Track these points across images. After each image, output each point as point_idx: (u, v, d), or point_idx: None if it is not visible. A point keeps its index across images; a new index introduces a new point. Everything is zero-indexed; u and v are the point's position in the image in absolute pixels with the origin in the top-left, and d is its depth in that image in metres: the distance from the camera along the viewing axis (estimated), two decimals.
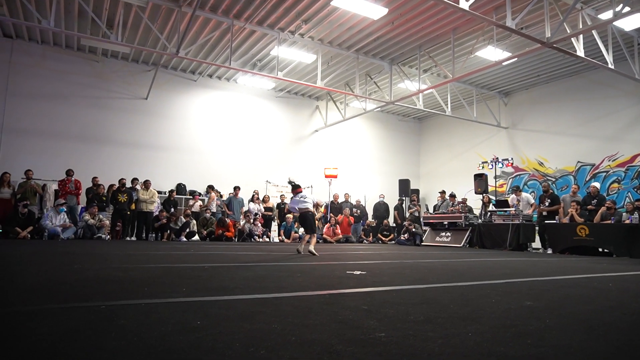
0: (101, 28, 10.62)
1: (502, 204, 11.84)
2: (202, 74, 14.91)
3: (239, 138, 15.49)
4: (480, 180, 13.62)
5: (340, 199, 15.30)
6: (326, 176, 14.83)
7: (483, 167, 14.30)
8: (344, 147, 17.68)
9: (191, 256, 5.78)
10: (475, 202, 14.34)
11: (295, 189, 7.61)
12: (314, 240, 7.23)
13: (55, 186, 11.17)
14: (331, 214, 14.06)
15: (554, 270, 5.18)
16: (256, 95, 15.99)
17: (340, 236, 13.52)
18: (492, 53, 11.19)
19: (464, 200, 13.81)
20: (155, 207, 11.68)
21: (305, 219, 7.34)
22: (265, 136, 16.02)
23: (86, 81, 13.29)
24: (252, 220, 12.59)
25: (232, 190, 13.52)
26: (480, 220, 12.40)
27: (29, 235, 9.38)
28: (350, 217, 14.32)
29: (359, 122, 17.80)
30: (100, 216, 10.62)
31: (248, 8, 10.54)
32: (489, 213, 12.31)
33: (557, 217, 10.86)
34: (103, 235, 10.42)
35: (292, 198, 7.84)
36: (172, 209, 12.13)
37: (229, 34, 11.29)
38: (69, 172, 10.87)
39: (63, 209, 10.01)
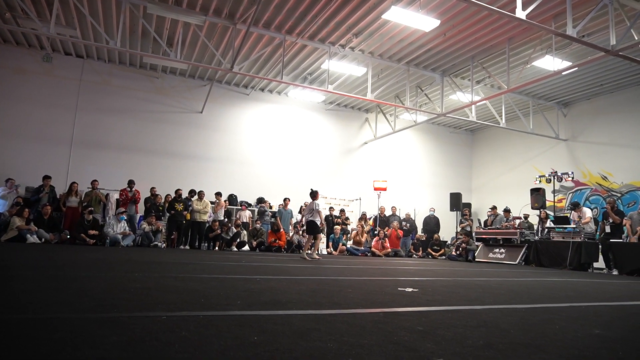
0: (162, 46, 11.22)
1: (561, 220, 11.24)
2: (254, 88, 15.35)
3: (289, 150, 15.75)
4: (537, 194, 13.02)
5: (388, 212, 15.13)
6: (375, 189, 14.74)
7: (540, 181, 13.66)
8: (394, 160, 17.51)
9: (242, 267, 5.91)
10: (530, 218, 13.71)
11: (314, 196, 8.81)
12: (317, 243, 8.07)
13: (117, 195, 11.82)
14: (379, 227, 13.92)
15: (622, 294, 4.84)
16: (306, 108, 16.23)
17: (389, 250, 13.34)
18: (551, 62, 10.74)
19: (526, 216, 13.16)
20: (208, 217, 12.06)
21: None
22: (314, 148, 16.19)
23: (147, 96, 14.05)
24: (300, 232, 12.70)
25: (281, 202, 13.72)
26: (537, 237, 11.83)
27: (93, 241, 9.95)
28: (399, 231, 14.10)
29: (409, 135, 17.59)
30: (158, 222, 11.12)
31: (300, 23, 10.77)
32: (546, 229, 11.72)
33: (623, 235, 10.16)
34: (159, 244, 10.88)
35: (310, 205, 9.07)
36: (225, 219, 12.48)
37: (281, 48, 11.57)
38: (130, 183, 11.46)
39: (123, 217, 10.57)
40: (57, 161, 12.48)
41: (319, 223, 8.63)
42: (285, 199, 13.66)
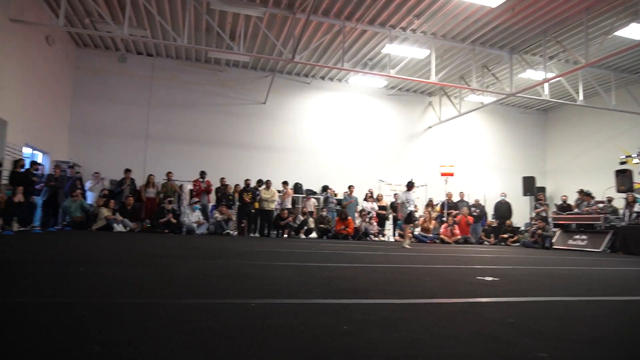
0: (225, 40, 11.52)
1: None
2: (315, 76, 15.38)
3: (352, 137, 15.68)
4: (623, 176, 11.99)
5: (455, 198, 14.65)
6: (442, 174, 14.32)
7: (626, 162, 12.55)
8: (460, 144, 16.89)
9: (315, 255, 5.99)
10: (615, 202, 12.66)
11: (410, 186, 9.25)
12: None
13: (190, 186, 12.41)
14: (449, 211, 13.56)
15: None
16: (368, 94, 16.03)
17: (459, 237, 12.95)
18: (637, 31, 9.77)
19: (609, 200, 12.16)
20: (275, 206, 12.34)
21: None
22: (377, 134, 15.99)
23: (213, 90, 14.55)
24: (367, 219, 12.66)
25: (346, 189, 13.74)
26: (624, 223, 10.93)
27: (168, 230, 10.56)
28: (469, 217, 13.63)
29: (476, 117, 16.85)
30: (229, 212, 11.56)
31: (359, 9, 10.59)
32: (635, 214, 10.79)
33: None
34: (231, 232, 11.32)
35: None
36: (291, 207, 12.72)
37: (340, 35, 11.45)
38: (202, 174, 11.94)
39: (197, 207, 11.09)
40: (135, 155, 13.31)
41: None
42: (349, 187, 13.66)
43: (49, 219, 10.33)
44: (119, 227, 10.07)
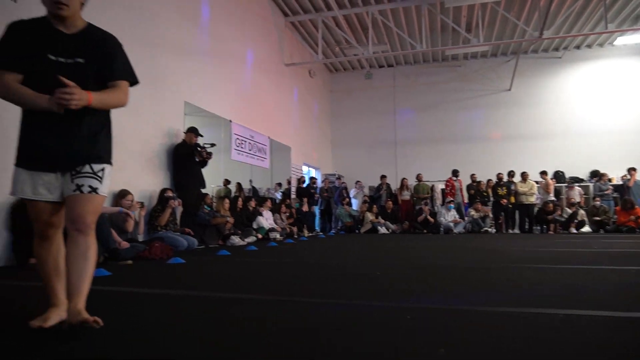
0: (461, 34, 11.32)
1: None
2: (567, 48, 13.51)
3: (626, 110, 13.05)
4: None
5: None
6: None
7: None
8: None
9: (601, 255, 5.25)
10: None
11: None
12: None
13: (441, 185, 12.60)
14: None
15: None
16: None
17: None
18: None
19: None
20: (535, 199, 11.33)
21: None
22: None
23: (452, 86, 14.45)
24: None
25: (624, 172, 11.51)
26: None
27: (427, 230, 10.96)
28: None
29: None
30: (485, 208, 11.23)
31: None
32: None
33: None
34: (489, 229, 10.96)
35: None
36: (555, 199, 11.45)
37: None
38: (455, 172, 11.90)
39: (452, 206, 11.16)
40: (387, 160, 14.40)
41: None
42: (630, 170, 11.36)
43: (326, 225, 12.18)
44: (382, 229, 11.05)
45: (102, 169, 1.78)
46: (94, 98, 1.67)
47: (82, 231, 1.68)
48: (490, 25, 11.80)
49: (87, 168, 1.74)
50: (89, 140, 1.75)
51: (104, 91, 1.75)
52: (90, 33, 1.79)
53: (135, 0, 5.85)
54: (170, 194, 5.84)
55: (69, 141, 1.71)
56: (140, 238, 5.46)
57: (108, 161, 1.82)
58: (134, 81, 1.88)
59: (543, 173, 11.84)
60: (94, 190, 1.73)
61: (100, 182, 1.76)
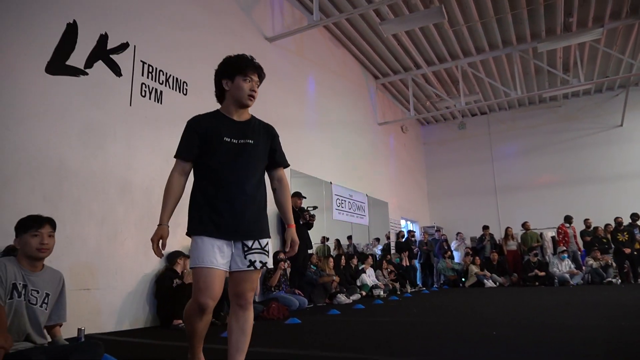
0: (558, 76, 10.98)
1: None
2: None
3: None
4: None
5: None
6: None
7: None
8: None
9: None
10: None
11: None
12: None
13: (551, 233, 11.81)
14: None
15: None
16: None
17: None
18: None
19: None
20: None
21: None
22: None
23: (553, 128, 13.82)
24: None
25: None
26: None
27: (539, 283, 10.25)
28: None
29: None
30: (605, 257, 10.28)
31: None
32: None
33: None
34: (613, 280, 9.95)
35: None
36: None
37: None
38: (568, 218, 11.11)
39: (565, 255, 10.38)
40: (488, 210, 13.90)
41: None
42: None
43: (427, 279, 11.95)
44: (489, 283, 10.56)
45: (267, 243, 2.04)
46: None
47: (243, 306, 2.03)
48: (590, 61, 11.31)
49: (256, 244, 1.99)
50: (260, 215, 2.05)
51: (286, 201, 2.18)
52: (255, 122, 2.16)
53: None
54: (282, 256, 6.33)
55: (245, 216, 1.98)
56: (256, 299, 5.95)
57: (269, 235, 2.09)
58: (287, 165, 2.26)
59: None
60: (264, 265, 2.00)
61: (268, 255, 2.03)
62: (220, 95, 2.16)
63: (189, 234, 1.99)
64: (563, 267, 10.29)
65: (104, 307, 4.30)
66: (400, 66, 11.28)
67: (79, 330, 2.99)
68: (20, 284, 2.29)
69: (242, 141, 2.03)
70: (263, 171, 2.15)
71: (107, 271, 4.36)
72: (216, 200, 1.96)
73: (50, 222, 2.44)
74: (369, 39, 10.05)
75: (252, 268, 1.97)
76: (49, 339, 2.52)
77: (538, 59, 10.87)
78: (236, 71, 2.07)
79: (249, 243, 1.98)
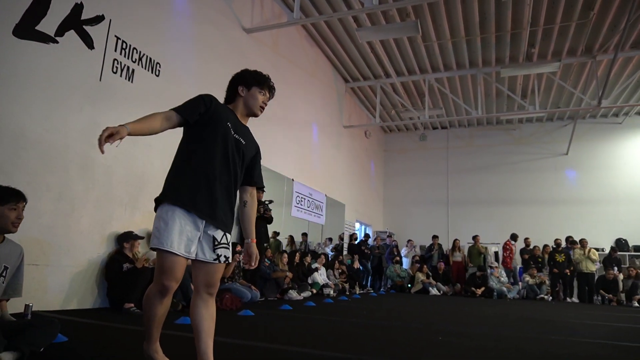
0: (516, 101, 11.59)
1: None
2: (628, 114, 13.38)
3: None
4: None
5: None
6: None
7: None
8: None
9: None
10: None
11: None
12: None
13: (494, 248, 12.45)
14: None
15: None
16: None
17: None
18: None
19: None
20: (596, 267, 10.94)
21: None
22: None
23: (507, 149, 14.55)
24: None
25: None
26: None
27: (480, 292, 10.78)
28: None
29: None
30: (540, 275, 10.96)
31: None
32: None
33: None
34: (545, 296, 10.63)
35: None
36: (616, 268, 11.00)
37: None
38: (514, 236, 11.73)
39: (503, 270, 10.98)
40: (439, 221, 14.45)
41: None
42: None
43: (376, 282, 12.25)
44: (434, 291, 10.99)
45: (230, 239, 2.10)
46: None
47: (213, 295, 2.10)
48: (546, 91, 12.02)
49: (224, 239, 2.03)
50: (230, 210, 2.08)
51: (252, 217, 2.22)
52: (251, 133, 2.26)
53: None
54: (239, 248, 6.34)
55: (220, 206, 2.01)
56: None
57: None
58: (262, 187, 2.36)
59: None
60: (227, 259, 2.06)
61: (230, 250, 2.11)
62: (230, 97, 2.25)
63: (160, 199, 1.96)
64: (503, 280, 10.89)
65: (51, 285, 4.16)
66: (371, 73, 11.51)
67: (27, 306, 2.90)
68: None
69: (238, 138, 2.11)
70: (241, 178, 2.18)
71: (58, 248, 4.23)
72: (200, 177, 1.97)
73: (24, 197, 2.44)
74: (344, 43, 10.20)
75: (217, 262, 2.02)
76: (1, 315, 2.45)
77: (500, 83, 11.44)
78: (255, 82, 2.22)
79: (219, 236, 2.01)
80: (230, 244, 2.09)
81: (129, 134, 1.76)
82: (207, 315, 2.02)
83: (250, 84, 2.22)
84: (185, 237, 1.91)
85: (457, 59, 10.64)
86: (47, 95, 4.16)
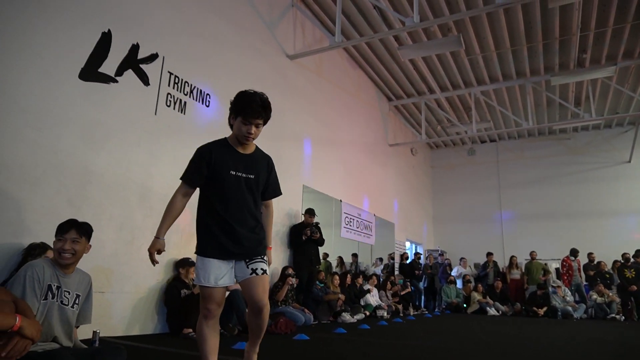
0: (569, 109, 11.10)
1: None
2: None
3: None
4: None
5: None
6: None
7: None
8: None
9: None
10: None
11: None
12: None
13: (555, 264, 11.78)
14: None
15: None
16: None
17: None
18: None
19: None
20: None
21: None
22: None
23: (561, 160, 13.91)
24: None
25: None
26: None
27: (542, 312, 10.19)
28: None
29: None
30: (610, 293, 10.23)
31: None
32: None
33: None
34: (617, 316, 9.89)
35: None
36: None
37: None
38: (574, 252, 11.04)
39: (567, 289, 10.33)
40: (493, 237, 13.90)
41: None
42: None
43: (430, 302, 11.89)
44: (492, 311, 10.50)
45: (265, 254, 2.33)
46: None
47: (262, 308, 2.26)
48: (602, 97, 11.45)
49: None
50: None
51: (268, 226, 2.42)
52: (258, 155, 2.37)
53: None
54: (290, 271, 6.37)
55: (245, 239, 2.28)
56: None
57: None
58: (279, 195, 2.49)
59: None
60: (264, 271, 2.25)
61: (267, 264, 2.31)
62: (230, 124, 2.36)
63: (197, 253, 2.30)
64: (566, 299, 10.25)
65: (115, 311, 4.34)
66: (415, 90, 11.43)
67: (94, 332, 3.04)
68: (54, 285, 2.35)
69: (244, 175, 2.26)
70: (260, 200, 2.39)
71: (121, 275, 4.42)
72: (221, 227, 2.22)
73: (78, 228, 2.47)
74: (386, 62, 10.22)
75: (253, 275, 2.21)
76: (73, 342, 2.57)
77: (550, 92, 11.02)
78: (240, 113, 2.21)
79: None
80: (264, 258, 2.29)
81: (164, 238, 2.30)
82: (254, 321, 2.30)
83: (237, 113, 2.23)
84: (218, 272, 2.23)
85: (503, 70, 10.38)
86: (109, 132, 4.43)
